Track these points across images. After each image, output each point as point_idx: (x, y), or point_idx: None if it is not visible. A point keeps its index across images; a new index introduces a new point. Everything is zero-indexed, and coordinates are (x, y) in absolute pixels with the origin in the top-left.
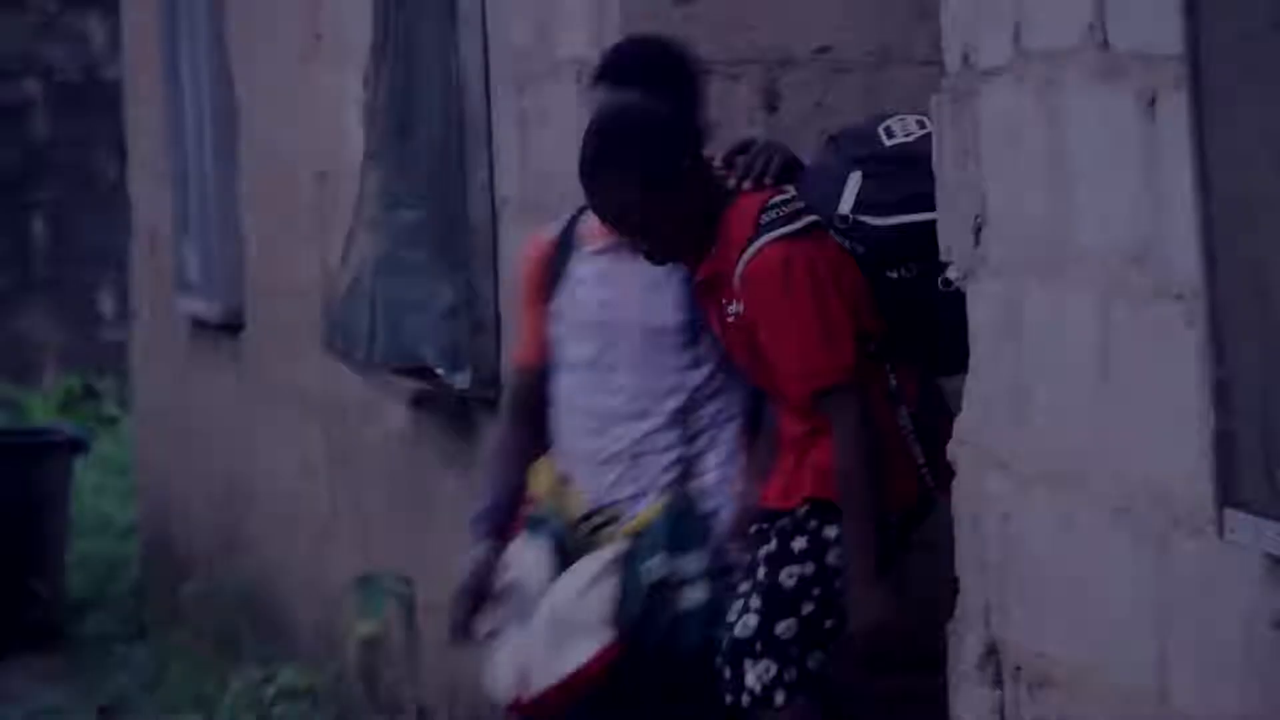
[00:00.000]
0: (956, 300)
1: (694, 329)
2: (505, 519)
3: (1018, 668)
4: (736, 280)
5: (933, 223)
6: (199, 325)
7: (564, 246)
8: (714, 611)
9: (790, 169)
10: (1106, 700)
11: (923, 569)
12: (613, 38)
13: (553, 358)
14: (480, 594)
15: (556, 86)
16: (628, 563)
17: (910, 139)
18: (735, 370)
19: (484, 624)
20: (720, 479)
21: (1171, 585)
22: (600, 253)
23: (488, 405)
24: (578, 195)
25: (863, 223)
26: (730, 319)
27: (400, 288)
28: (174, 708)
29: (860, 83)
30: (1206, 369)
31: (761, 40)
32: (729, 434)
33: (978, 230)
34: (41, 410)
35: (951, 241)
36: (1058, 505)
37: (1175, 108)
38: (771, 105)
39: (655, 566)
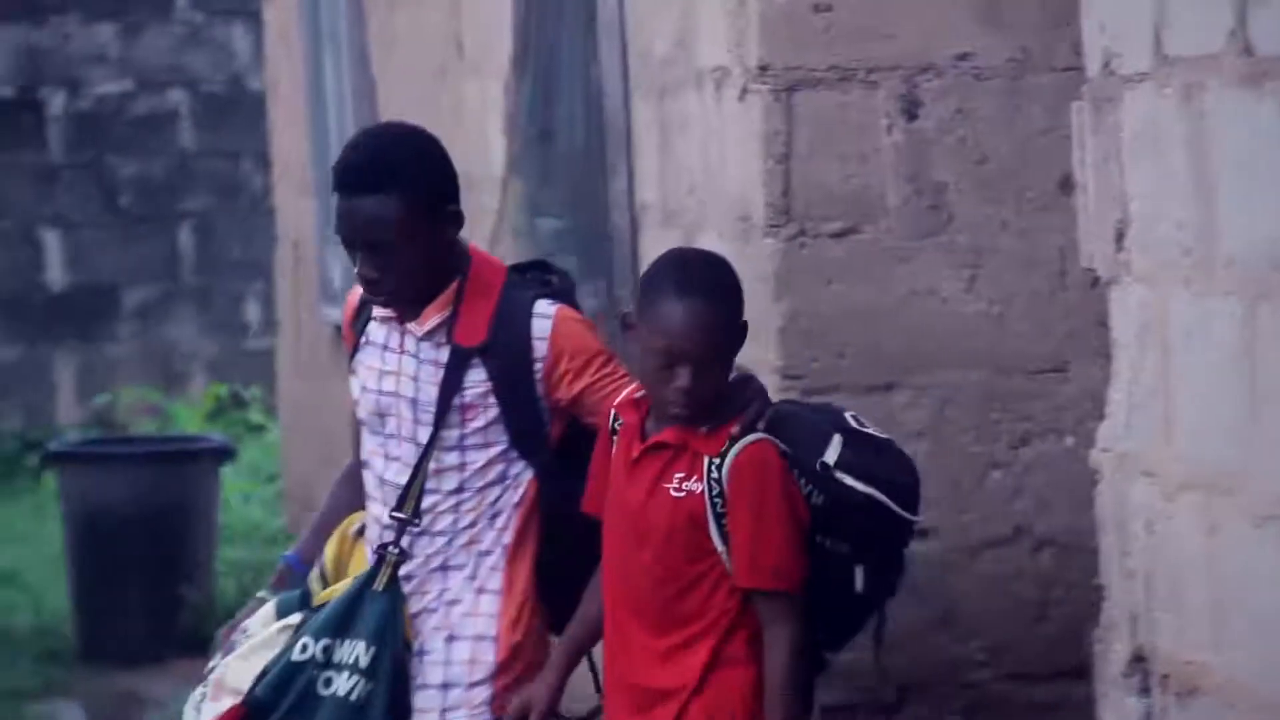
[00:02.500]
0: (864, 603)
1: (460, 410)
2: (303, 569)
3: (1165, 676)
4: (726, 465)
5: (891, 520)
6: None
7: (364, 304)
8: (355, 710)
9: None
10: (1256, 708)
11: (1071, 575)
12: (752, 46)
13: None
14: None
15: (696, 94)
16: (295, 633)
17: (877, 433)
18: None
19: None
20: (488, 574)
21: None
22: (385, 320)
23: None
24: (715, 203)
25: (839, 479)
26: (677, 494)
27: None
28: None
29: (1000, 89)
30: None
31: (900, 47)
32: (505, 523)
33: (1120, 236)
34: (189, 419)
35: (1094, 248)
36: (1204, 512)
37: None
38: (911, 113)
39: (307, 645)
